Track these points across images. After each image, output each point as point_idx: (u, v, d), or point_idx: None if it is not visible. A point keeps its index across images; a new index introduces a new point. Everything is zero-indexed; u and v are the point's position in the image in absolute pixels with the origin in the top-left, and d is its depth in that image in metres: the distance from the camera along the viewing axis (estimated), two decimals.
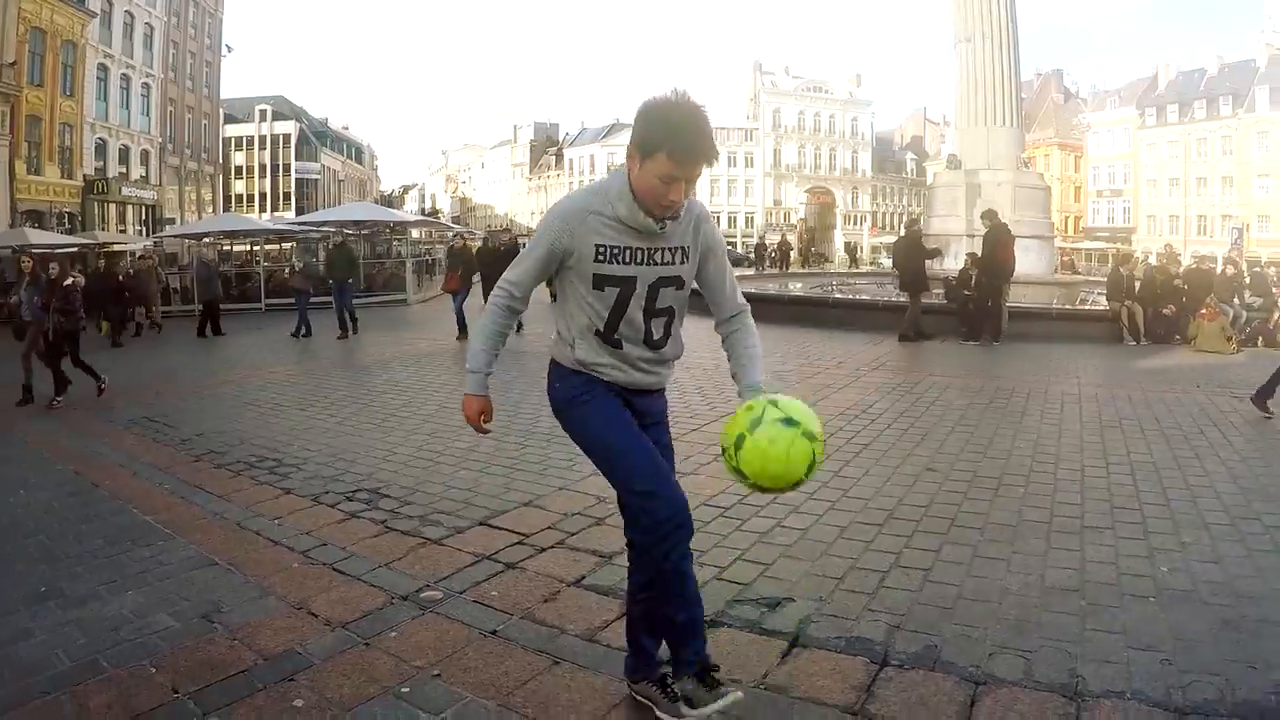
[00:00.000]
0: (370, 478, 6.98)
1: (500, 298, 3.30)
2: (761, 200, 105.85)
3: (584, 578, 4.79)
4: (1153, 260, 26.28)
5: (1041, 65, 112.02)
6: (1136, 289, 17.80)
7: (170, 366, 15.85)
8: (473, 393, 3.33)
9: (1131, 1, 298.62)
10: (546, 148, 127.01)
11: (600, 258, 3.13)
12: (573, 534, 5.50)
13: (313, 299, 20.95)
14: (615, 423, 3.25)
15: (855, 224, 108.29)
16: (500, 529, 5.61)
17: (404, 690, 3.57)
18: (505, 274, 3.33)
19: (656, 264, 3.19)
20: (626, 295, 3.18)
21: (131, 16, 49.72)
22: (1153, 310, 17.30)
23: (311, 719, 3.36)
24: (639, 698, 3.37)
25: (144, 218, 51.81)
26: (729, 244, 62.28)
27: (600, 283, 3.16)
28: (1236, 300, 18.85)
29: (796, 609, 4.32)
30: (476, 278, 19.29)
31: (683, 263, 3.23)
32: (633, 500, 3.21)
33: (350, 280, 20.27)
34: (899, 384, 11.58)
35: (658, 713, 3.24)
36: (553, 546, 5.28)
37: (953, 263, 20.71)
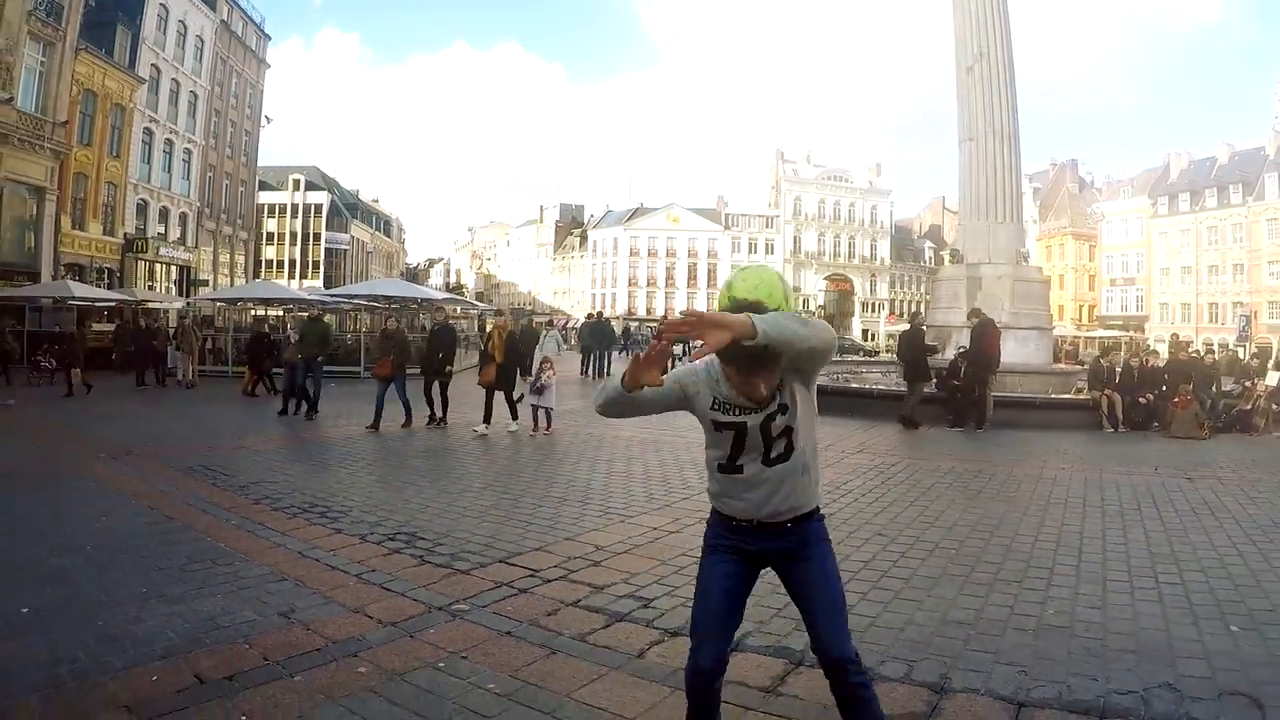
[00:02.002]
0: (408, 524, 8.25)
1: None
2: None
3: (580, 600, 6.07)
4: (1163, 349, 26.93)
5: (1057, 155, 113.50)
6: (1116, 378, 18.89)
7: (217, 419, 17.13)
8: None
9: (1134, 93, 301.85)
10: (571, 229, 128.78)
11: (722, 419, 3.40)
12: (574, 571, 6.79)
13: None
14: (710, 570, 3.51)
15: (873, 311, 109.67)
16: (516, 565, 6.90)
17: (440, 665, 4.84)
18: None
19: (767, 430, 3.43)
20: (735, 429, 3.37)
21: (178, 84, 51.87)
22: (1130, 398, 18.38)
23: (373, 679, 4.61)
24: None
25: (178, 277, 53.63)
26: None
27: (721, 435, 3.41)
28: (1214, 388, 19.83)
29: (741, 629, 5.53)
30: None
31: None
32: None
33: (320, 358, 18.82)
34: (875, 465, 12.66)
35: None
36: (557, 579, 6.57)
37: (954, 354, 21.71)
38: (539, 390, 15.75)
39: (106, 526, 7.90)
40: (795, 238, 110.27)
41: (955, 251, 27.12)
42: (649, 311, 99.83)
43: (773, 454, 3.32)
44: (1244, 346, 59.83)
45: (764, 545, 3.43)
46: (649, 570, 6.85)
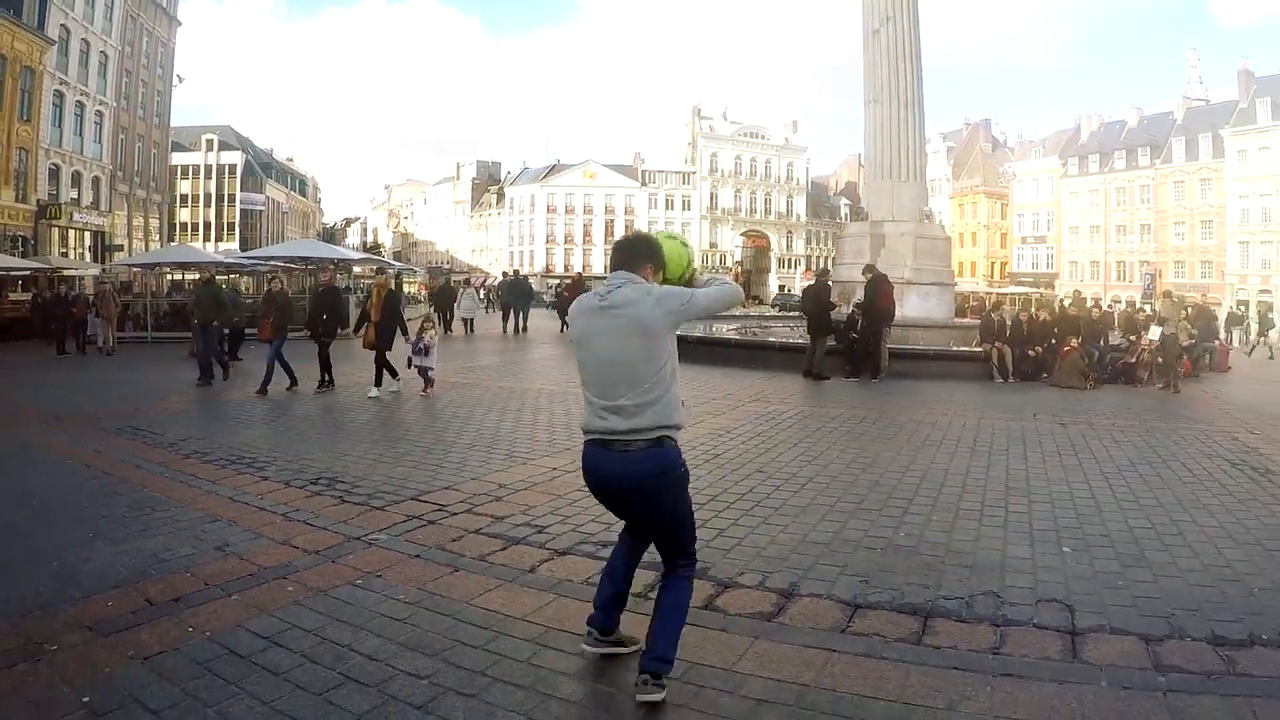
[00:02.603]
0: (328, 470, 8.96)
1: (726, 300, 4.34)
2: (698, 242, 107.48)
3: (481, 529, 6.90)
4: (1068, 303, 27.82)
5: (974, 113, 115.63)
6: (1007, 332, 19.94)
7: (139, 384, 17.44)
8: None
9: (1055, 52, 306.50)
10: (488, 186, 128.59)
11: None
12: (477, 506, 7.62)
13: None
14: None
15: (789, 267, 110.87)
16: (425, 502, 7.71)
17: (357, 582, 5.63)
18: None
19: None
20: None
21: (88, 45, 51.03)
22: (1019, 351, 19.43)
23: (300, 595, 5.36)
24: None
25: (92, 243, 53.12)
26: None
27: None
28: (1102, 341, 20.92)
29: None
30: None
31: None
32: (689, 560, 4.25)
33: (215, 323, 18.06)
34: (768, 411, 13.57)
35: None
36: (463, 512, 7.40)
37: (851, 308, 22.48)
38: (423, 351, 15.57)
39: (46, 485, 8.43)
40: (712, 194, 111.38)
41: (860, 209, 27.99)
42: (567, 268, 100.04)
43: None
44: (1150, 305, 61.88)
45: None
46: (546, 504, 7.67)
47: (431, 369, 15.62)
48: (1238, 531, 7.18)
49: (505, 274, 48.22)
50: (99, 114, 53.32)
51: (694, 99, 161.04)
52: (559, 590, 5.45)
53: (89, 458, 9.76)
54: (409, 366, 15.93)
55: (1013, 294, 76.06)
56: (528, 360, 23.83)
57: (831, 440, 11.24)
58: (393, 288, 18.65)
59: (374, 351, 15.57)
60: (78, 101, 50.54)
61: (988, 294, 72.36)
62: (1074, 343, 19.08)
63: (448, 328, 32.92)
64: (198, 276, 26.90)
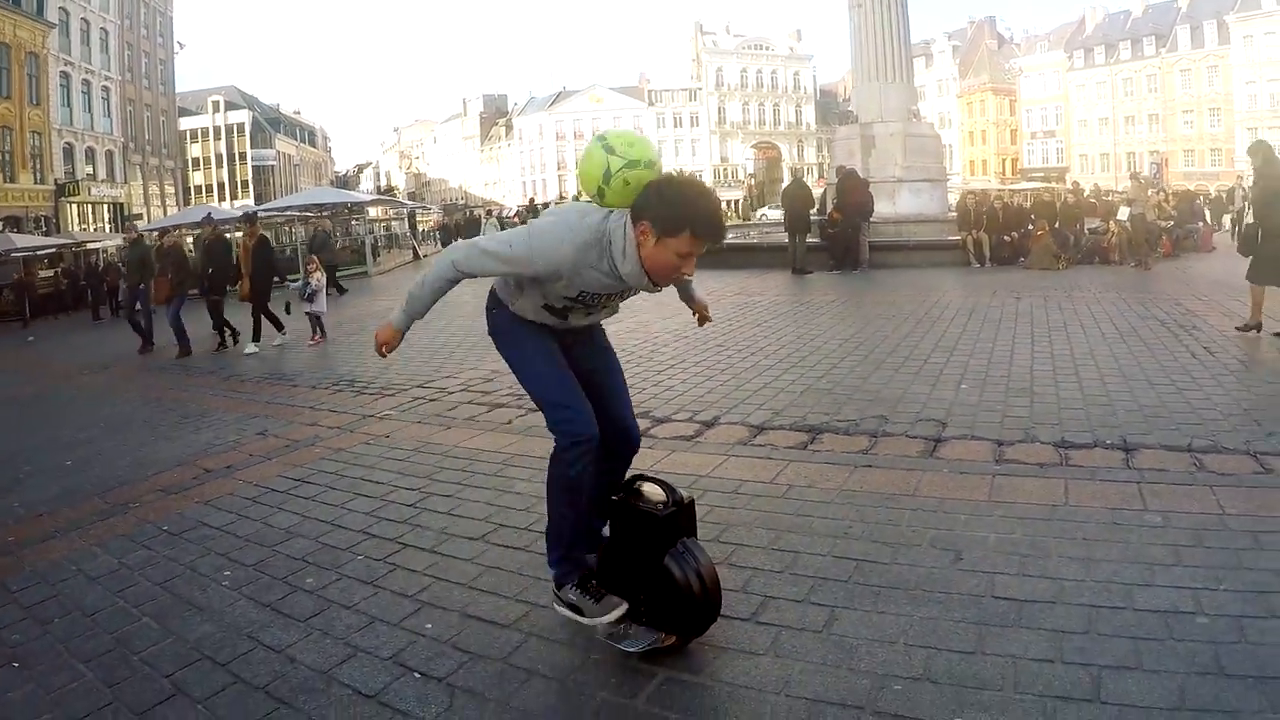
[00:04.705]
0: (348, 374, 10.50)
1: (448, 272, 3.49)
2: (709, 158, 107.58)
3: (472, 400, 8.43)
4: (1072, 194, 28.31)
5: (975, 13, 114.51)
6: (983, 220, 20.97)
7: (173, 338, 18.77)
8: (398, 327, 3.66)
9: None
10: (496, 119, 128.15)
11: (579, 299, 3.51)
12: (472, 386, 9.12)
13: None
14: (543, 350, 3.66)
15: (802, 176, 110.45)
16: (428, 388, 9.23)
17: (369, 441, 7.14)
18: (463, 256, 3.48)
19: (622, 296, 3.67)
20: (585, 304, 3.58)
21: (88, 23, 52.02)
22: (996, 237, 20.48)
23: (325, 453, 6.83)
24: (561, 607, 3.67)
25: (111, 215, 54.29)
26: None
27: (565, 305, 3.56)
28: (1078, 225, 21.89)
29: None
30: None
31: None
32: (550, 413, 3.59)
33: (142, 285, 16.41)
34: (745, 301, 14.87)
35: (585, 618, 3.55)
36: (458, 391, 8.94)
37: (829, 206, 23.26)
38: (310, 296, 14.47)
39: (111, 412, 9.96)
40: (719, 109, 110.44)
41: (849, 112, 28.64)
42: (579, 195, 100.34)
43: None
44: (1159, 192, 62.05)
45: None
46: None
47: (322, 313, 14.56)
48: (1132, 372, 8.23)
49: (523, 206, 49.16)
50: (105, 89, 54.44)
51: (696, 15, 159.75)
52: (528, 434, 6.84)
53: (142, 390, 11.30)
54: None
55: (1024, 189, 76.00)
56: None
57: (791, 319, 12.52)
58: (263, 233, 17.30)
59: (257, 305, 14.60)
60: (84, 80, 51.60)
61: (1000, 190, 72.55)
62: (1044, 227, 20.09)
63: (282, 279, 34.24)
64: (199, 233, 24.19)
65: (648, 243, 3.27)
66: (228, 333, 14.98)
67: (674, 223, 3.21)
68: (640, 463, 5.83)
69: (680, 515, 3.50)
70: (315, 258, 16.23)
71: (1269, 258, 10.58)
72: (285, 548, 4.87)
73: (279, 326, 14.62)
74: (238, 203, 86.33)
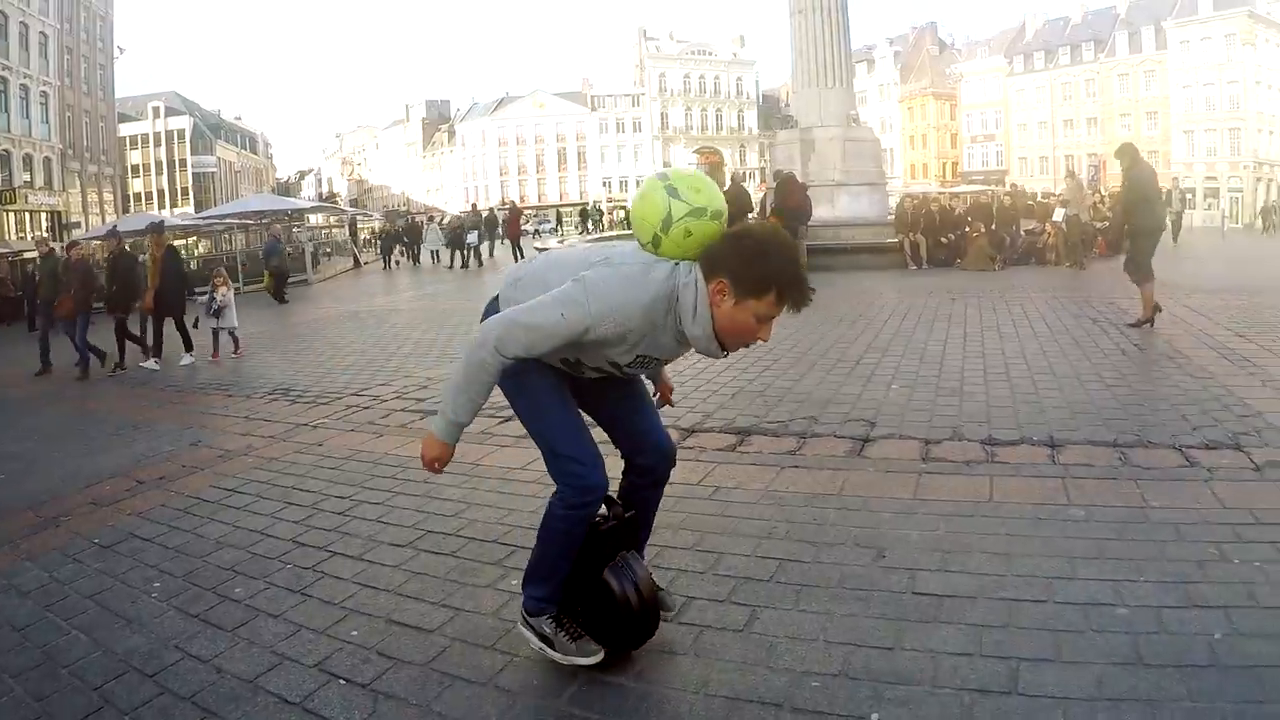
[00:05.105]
0: (284, 383, 10.40)
1: (490, 362, 3.00)
2: (651, 163, 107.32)
3: (407, 408, 8.44)
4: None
5: (916, 19, 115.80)
6: (920, 223, 21.25)
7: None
8: (445, 439, 3.20)
9: None
10: (439, 125, 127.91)
11: (630, 365, 3.17)
12: (406, 394, 9.15)
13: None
14: (555, 395, 3.31)
15: (745, 181, 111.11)
16: (364, 396, 9.24)
17: (301, 451, 7.09)
18: (502, 337, 2.97)
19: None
20: (641, 366, 3.25)
21: (26, 27, 51.29)
22: (934, 239, 20.78)
23: (257, 463, 6.82)
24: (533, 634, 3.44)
25: (49, 224, 53.31)
26: (622, 208, 64.76)
27: (607, 371, 3.24)
28: (1014, 227, 22.27)
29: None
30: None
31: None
32: (559, 465, 3.28)
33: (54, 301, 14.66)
34: None
35: (557, 654, 3.36)
36: (393, 399, 8.95)
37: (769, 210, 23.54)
38: (216, 311, 13.66)
39: (45, 424, 9.82)
40: (662, 114, 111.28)
41: (789, 118, 28.88)
42: (521, 200, 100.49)
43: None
44: (1095, 194, 63.07)
45: None
46: None
47: (234, 328, 13.83)
48: (1063, 370, 8.43)
49: (463, 212, 49.15)
50: (44, 94, 53.74)
51: (640, 20, 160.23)
52: (461, 440, 6.71)
53: (78, 402, 11.18)
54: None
55: (964, 192, 76.93)
56: (476, 286, 25.11)
57: None
58: (170, 243, 16.45)
59: (159, 320, 13.70)
60: (22, 85, 50.99)
61: (940, 194, 73.32)
62: (980, 229, 20.42)
63: (415, 260, 36.31)
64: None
65: (724, 303, 2.91)
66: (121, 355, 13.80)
67: (759, 282, 2.87)
68: None
69: (621, 529, 3.44)
70: (223, 271, 15.28)
71: (1140, 256, 11.03)
72: (215, 558, 4.86)
73: (188, 345, 13.57)
74: (177, 210, 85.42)
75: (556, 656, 3.35)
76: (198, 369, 12.77)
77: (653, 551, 4.42)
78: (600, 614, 3.40)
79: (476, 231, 34.17)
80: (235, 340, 13.79)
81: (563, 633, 3.37)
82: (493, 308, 3.36)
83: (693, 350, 3.14)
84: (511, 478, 5.81)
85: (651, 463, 3.56)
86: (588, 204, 69.49)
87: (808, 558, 4.32)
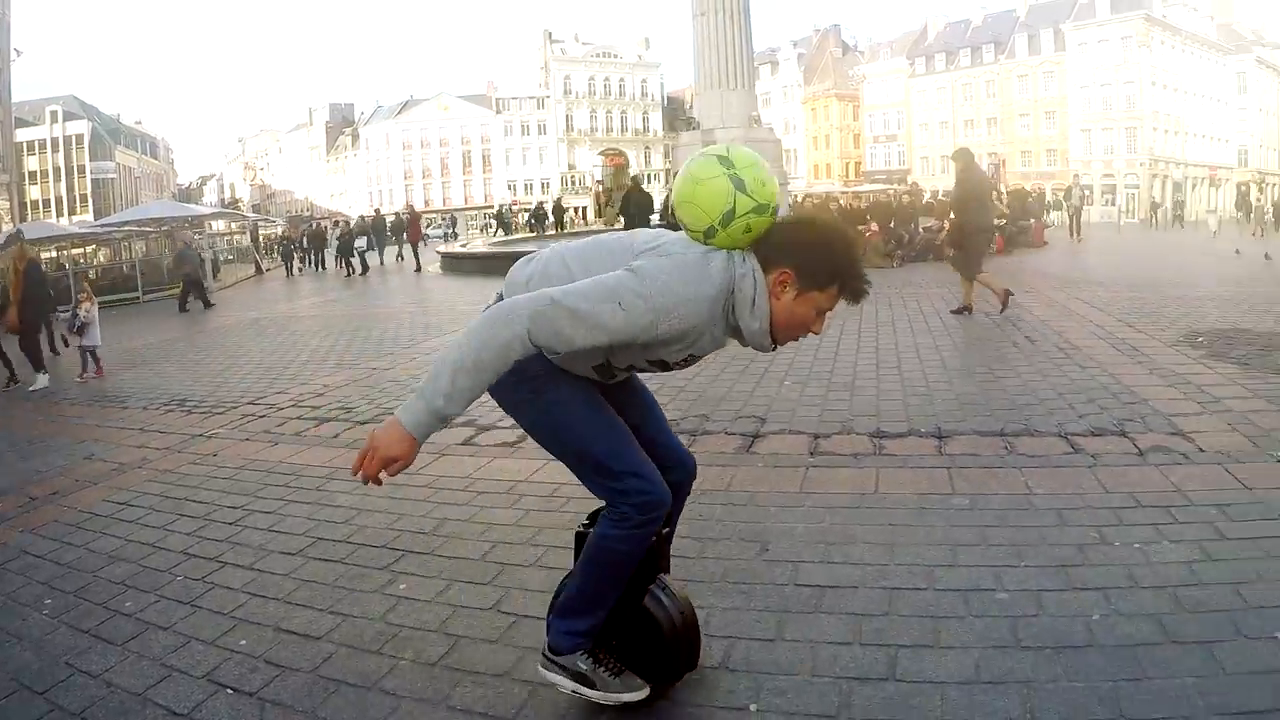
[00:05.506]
0: (179, 394, 10.32)
1: (515, 344, 2.47)
2: (556, 166, 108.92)
3: (301, 415, 8.44)
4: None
5: (820, 22, 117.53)
6: None
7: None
8: (415, 435, 2.48)
9: None
10: (343, 128, 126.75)
11: (676, 364, 2.87)
12: (301, 401, 9.14)
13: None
14: (595, 405, 2.94)
15: (649, 182, 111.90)
16: (259, 404, 9.20)
17: (195, 462, 7.11)
18: (535, 314, 2.47)
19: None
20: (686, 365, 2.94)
21: None
22: None
23: (151, 476, 6.79)
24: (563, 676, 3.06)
25: None
26: (524, 210, 64.59)
27: (645, 366, 2.87)
28: (913, 225, 22.74)
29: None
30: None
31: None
32: (617, 484, 2.88)
33: None
34: None
35: (596, 692, 3.03)
36: (289, 407, 8.93)
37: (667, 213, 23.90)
38: (79, 329, 12.97)
39: None
40: (567, 116, 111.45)
41: (691, 119, 29.13)
42: (426, 203, 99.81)
43: None
44: (994, 192, 64.38)
45: None
46: (360, 394, 9.23)
47: (96, 347, 12.97)
48: (954, 363, 8.77)
49: (364, 216, 48.88)
50: None
51: (545, 23, 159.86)
52: (353, 447, 6.85)
53: None
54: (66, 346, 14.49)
55: (866, 192, 78.22)
56: (378, 291, 25.19)
57: None
58: (33, 256, 15.24)
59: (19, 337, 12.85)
60: None
61: (842, 193, 74.40)
62: (874, 226, 20.81)
63: (320, 266, 35.96)
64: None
65: (785, 295, 2.69)
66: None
67: (825, 274, 2.68)
68: (458, 469, 5.93)
69: (658, 548, 3.12)
70: (86, 287, 14.62)
71: (971, 253, 11.45)
72: (106, 572, 4.86)
73: (37, 365, 12.60)
74: (76, 218, 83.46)
75: (597, 696, 3.02)
76: (55, 391, 11.98)
77: (540, 551, 4.53)
78: (640, 645, 3.13)
79: (366, 238, 33.86)
80: (96, 360, 12.76)
81: (603, 669, 3.03)
82: None
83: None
84: (403, 483, 5.79)
85: (678, 479, 3.18)
86: (501, 207, 68.96)
87: (693, 553, 4.39)
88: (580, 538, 3.12)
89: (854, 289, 2.72)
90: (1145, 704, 2.96)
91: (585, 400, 2.90)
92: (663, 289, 2.54)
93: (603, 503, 3.01)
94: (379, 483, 2.52)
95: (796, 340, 2.85)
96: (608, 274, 2.62)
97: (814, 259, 2.67)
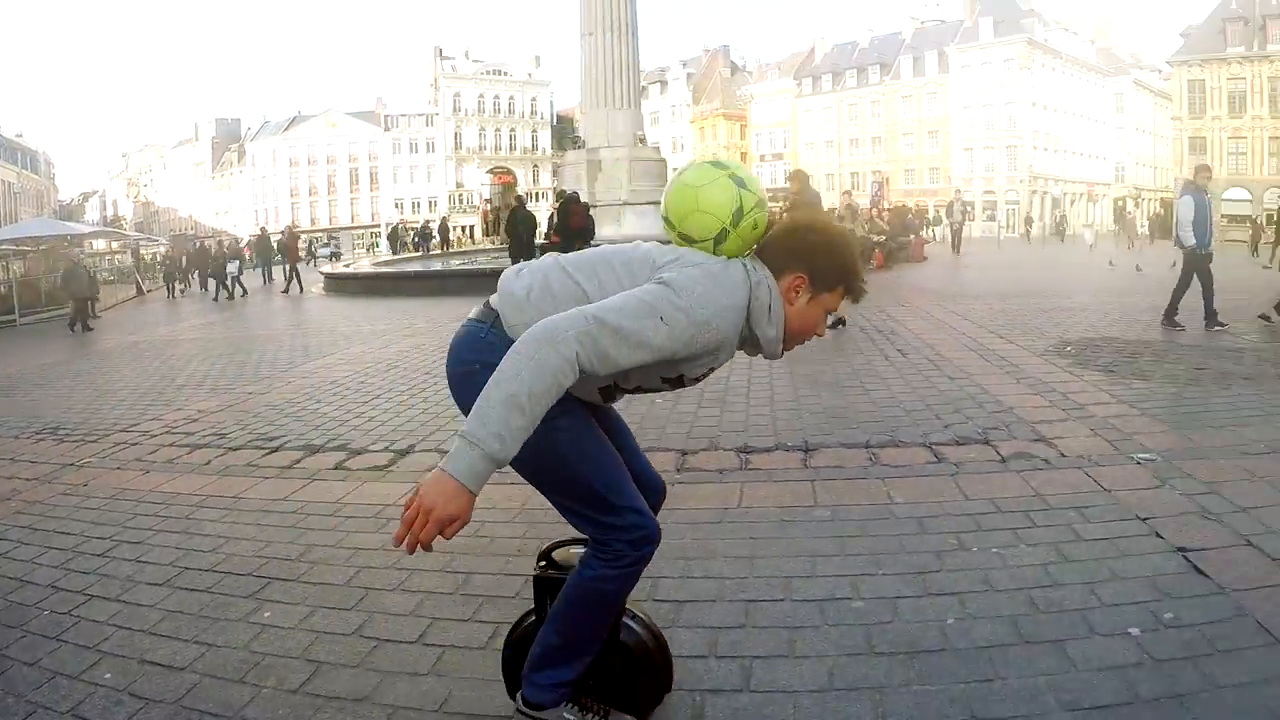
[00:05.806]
0: (53, 421, 9.95)
1: (562, 372, 2.30)
2: (444, 184, 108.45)
3: (175, 442, 8.24)
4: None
5: (710, 42, 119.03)
6: None
7: None
8: (472, 487, 2.29)
9: None
10: (229, 144, 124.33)
11: (690, 380, 2.76)
12: (175, 428, 8.91)
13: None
14: (596, 436, 2.79)
15: (537, 200, 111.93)
16: (132, 432, 8.90)
17: (65, 492, 6.92)
18: (579, 336, 2.31)
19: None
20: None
21: None
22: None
23: (20, 507, 6.63)
24: None
25: None
26: (411, 228, 64.10)
27: (657, 385, 2.75)
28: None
29: None
30: None
31: None
32: (615, 519, 2.72)
33: None
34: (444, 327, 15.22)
35: None
36: (162, 434, 8.69)
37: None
38: None
39: None
40: (456, 134, 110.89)
41: (577, 138, 29.32)
42: (312, 222, 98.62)
43: None
44: (875, 209, 65.86)
45: None
46: (234, 419, 9.09)
47: None
48: (823, 377, 8.99)
49: (253, 235, 48.12)
50: None
51: (436, 40, 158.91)
52: (225, 474, 6.92)
53: None
54: None
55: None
56: (259, 314, 24.82)
57: None
58: None
59: None
60: None
61: None
62: None
63: (203, 287, 35.33)
64: None
65: (799, 300, 2.67)
66: None
67: (836, 276, 2.68)
68: (328, 494, 5.97)
69: None
70: None
71: None
72: None
73: None
74: None
75: None
76: None
77: (404, 575, 4.58)
78: (618, 678, 3.03)
79: (237, 261, 33.30)
80: None
81: (591, 715, 2.91)
82: (474, 335, 2.82)
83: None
84: (272, 509, 5.88)
85: (653, 504, 3.01)
86: (396, 226, 68.16)
87: None
88: (542, 582, 3.02)
89: (857, 289, 2.74)
90: (997, 704, 3.11)
91: (589, 428, 2.76)
92: (700, 300, 2.47)
93: (545, 543, 3.11)
94: (430, 549, 2.30)
95: (801, 344, 2.85)
96: (637, 289, 2.50)
97: (825, 261, 2.66)
